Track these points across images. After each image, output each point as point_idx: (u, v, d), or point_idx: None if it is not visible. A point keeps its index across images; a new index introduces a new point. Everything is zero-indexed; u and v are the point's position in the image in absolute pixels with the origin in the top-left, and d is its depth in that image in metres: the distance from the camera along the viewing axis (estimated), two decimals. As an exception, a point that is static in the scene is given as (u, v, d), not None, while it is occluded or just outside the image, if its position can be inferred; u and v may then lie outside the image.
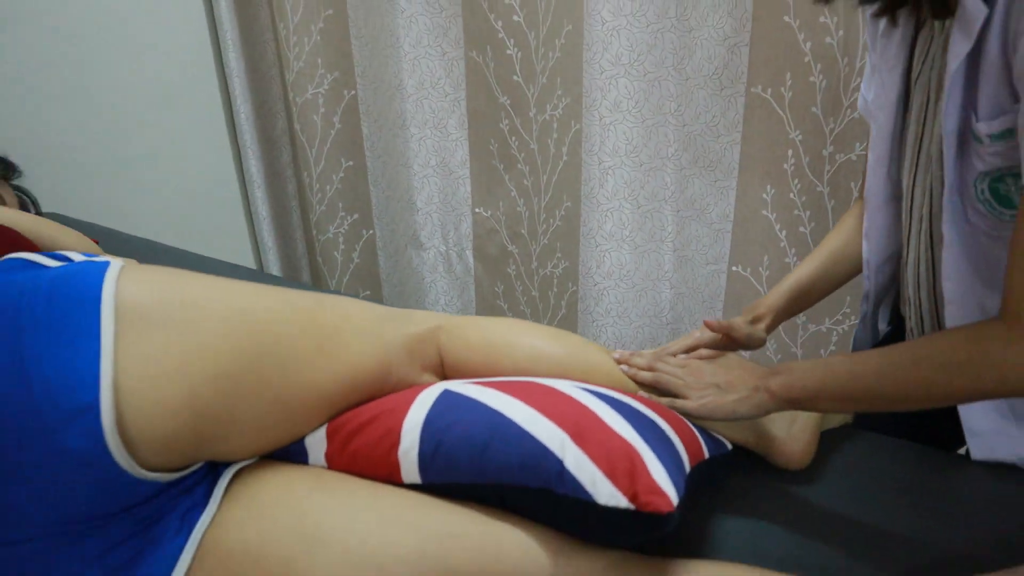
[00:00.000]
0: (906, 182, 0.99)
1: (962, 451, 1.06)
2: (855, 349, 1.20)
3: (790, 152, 1.75)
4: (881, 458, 1.03)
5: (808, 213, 1.77)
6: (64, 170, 1.79)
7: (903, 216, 1.01)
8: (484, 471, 0.76)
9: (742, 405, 0.90)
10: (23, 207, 1.37)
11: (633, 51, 1.79)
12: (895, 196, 1.03)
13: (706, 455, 0.89)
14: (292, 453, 0.86)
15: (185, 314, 0.75)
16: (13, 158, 1.42)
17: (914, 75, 0.94)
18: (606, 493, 0.72)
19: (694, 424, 0.93)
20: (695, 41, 1.74)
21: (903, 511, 0.93)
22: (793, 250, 1.81)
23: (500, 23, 1.94)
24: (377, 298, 2.47)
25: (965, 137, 0.84)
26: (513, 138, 2.08)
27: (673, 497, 0.72)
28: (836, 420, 1.09)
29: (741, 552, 0.87)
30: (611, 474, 0.73)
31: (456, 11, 2.01)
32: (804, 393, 0.87)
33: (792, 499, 0.96)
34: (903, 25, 0.95)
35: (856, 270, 1.14)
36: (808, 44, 1.62)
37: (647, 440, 0.77)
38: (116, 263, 0.76)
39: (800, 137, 1.72)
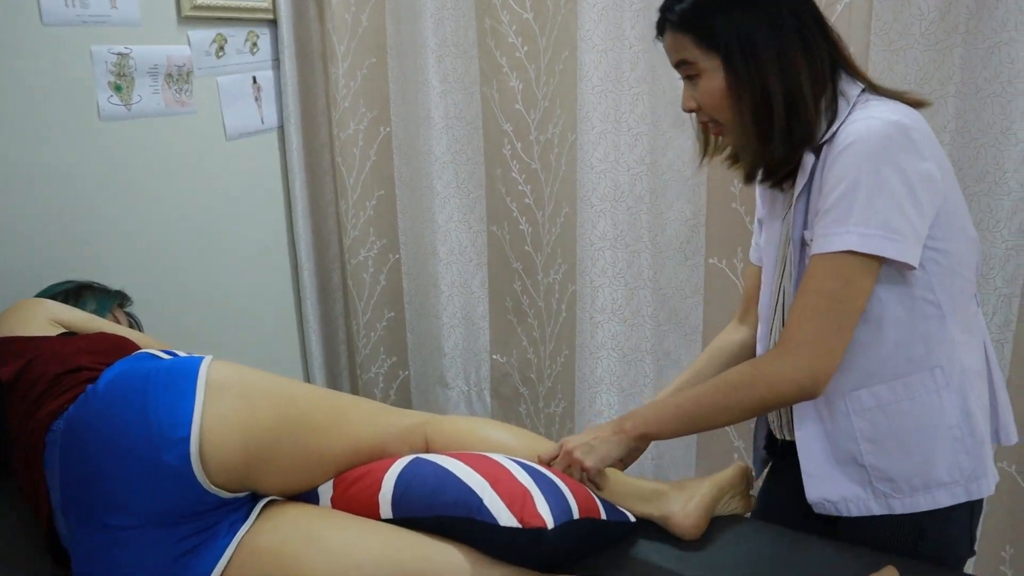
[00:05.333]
0: (774, 286, 1.35)
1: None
2: (754, 448, 1.53)
3: (744, 312, 2.12)
4: (753, 536, 1.35)
5: (759, 363, 2.12)
6: (161, 306, 2.26)
7: (771, 312, 1.35)
8: (432, 507, 1.13)
9: (613, 449, 1.27)
10: (131, 327, 1.83)
11: (616, 228, 2.23)
12: (775, 306, 1.39)
13: (602, 516, 1.23)
14: (308, 497, 1.23)
15: (248, 391, 1.15)
16: (129, 292, 1.91)
17: (785, 218, 1.32)
18: (505, 517, 1.08)
19: (600, 499, 1.28)
20: (665, 221, 2.17)
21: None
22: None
23: (514, 204, 2.41)
24: (408, 431, 2.84)
25: (803, 244, 1.24)
26: (524, 297, 2.50)
27: (549, 521, 1.08)
28: (729, 509, 1.42)
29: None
30: (510, 506, 1.09)
31: (480, 194, 2.49)
32: (648, 427, 1.25)
33: (681, 560, 1.28)
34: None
35: None
36: (752, 224, 2.03)
37: (540, 487, 1.13)
38: (208, 357, 1.17)
39: (743, 287, 2.10)
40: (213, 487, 1.08)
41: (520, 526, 1.07)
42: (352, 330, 2.82)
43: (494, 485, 1.12)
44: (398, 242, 2.69)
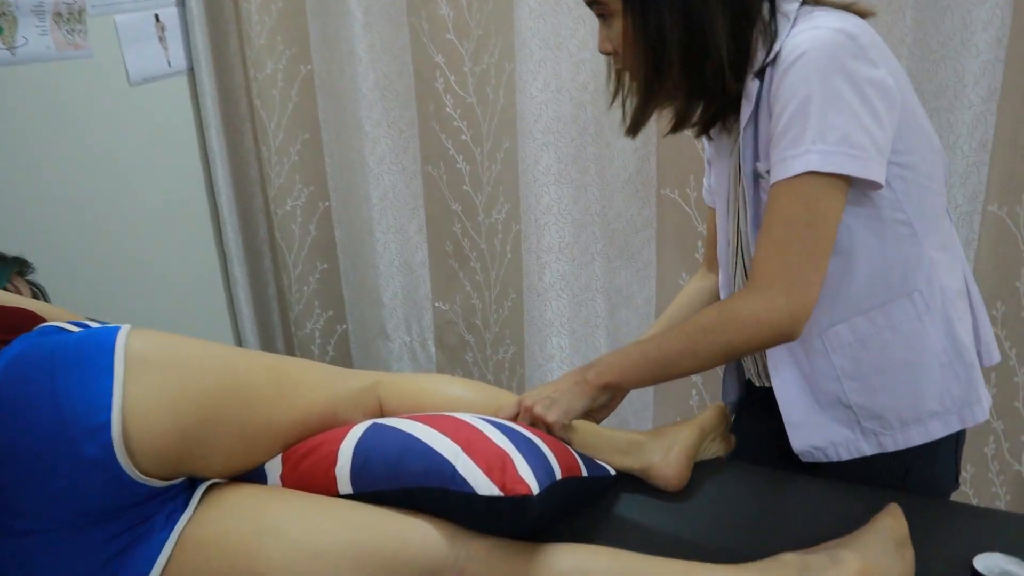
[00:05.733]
0: (730, 228, 1.26)
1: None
2: (724, 395, 1.46)
3: (699, 243, 2.04)
4: (741, 480, 1.27)
5: (716, 296, 2.04)
6: (70, 273, 2.06)
7: (730, 256, 1.28)
8: (398, 478, 1.01)
9: (575, 401, 1.17)
10: (35, 297, 1.63)
11: (561, 162, 2.10)
12: (734, 250, 1.31)
13: (583, 472, 1.12)
14: (254, 476, 1.10)
15: (176, 362, 1.00)
16: (31, 259, 1.71)
17: (732, 154, 1.24)
18: (484, 486, 0.96)
19: (579, 453, 1.18)
20: (613, 152, 2.05)
21: (750, 523, 1.17)
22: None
23: (450, 142, 2.26)
24: (350, 388, 2.71)
25: (757, 177, 1.15)
26: (465, 239, 2.37)
27: (534, 486, 0.96)
28: (710, 453, 1.33)
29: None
30: (488, 472, 0.97)
31: (413, 132, 2.33)
32: (612, 376, 1.16)
33: (667, 514, 1.20)
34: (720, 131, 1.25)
35: None
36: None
37: (519, 449, 1.02)
38: (126, 326, 1.02)
39: (706, 231, 2.01)
40: (143, 477, 0.94)
41: (502, 494, 0.96)
42: (283, 285, 2.65)
43: (467, 449, 1.00)
44: (327, 189, 2.52)
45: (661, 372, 1.14)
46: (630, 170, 2.04)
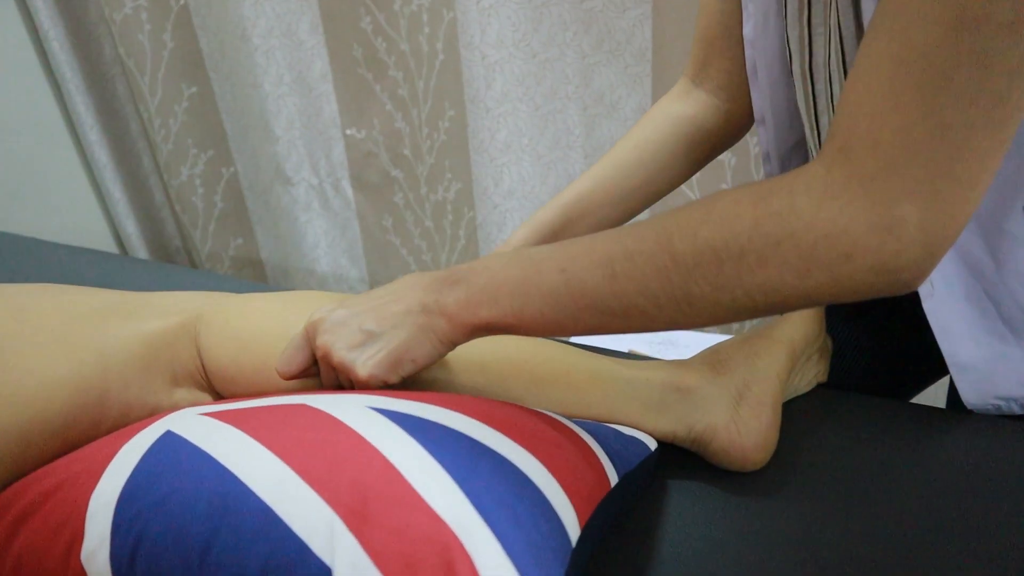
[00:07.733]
0: (797, 34, 0.67)
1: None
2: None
3: (712, 21, 1.41)
4: (866, 431, 0.72)
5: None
6: None
7: (802, 79, 0.70)
8: (207, 587, 0.44)
9: (416, 348, 0.58)
10: None
11: (506, -91, 1.42)
12: (791, 69, 0.73)
13: (613, 481, 0.56)
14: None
15: None
16: None
17: None
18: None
19: (590, 430, 0.61)
20: None
21: (900, 497, 0.63)
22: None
23: None
24: (252, 247, 2.10)
25: None
26: (379, 38, 1.70)
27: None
28: (803, 384, 0.78)
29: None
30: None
31: None
32: (495, 312, 0.56)
33: (750, 512, 0.65)
34: None
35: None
36: None
37: (483, 507, 0.44)
38: None
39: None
40: None
41: None
42: (145, 120, 1.98)
43: (357, 521, 0.42)
44: (177, -22, 1.80)
45: (600, 321, 0.54)
46: (610, -87, 1.37)
